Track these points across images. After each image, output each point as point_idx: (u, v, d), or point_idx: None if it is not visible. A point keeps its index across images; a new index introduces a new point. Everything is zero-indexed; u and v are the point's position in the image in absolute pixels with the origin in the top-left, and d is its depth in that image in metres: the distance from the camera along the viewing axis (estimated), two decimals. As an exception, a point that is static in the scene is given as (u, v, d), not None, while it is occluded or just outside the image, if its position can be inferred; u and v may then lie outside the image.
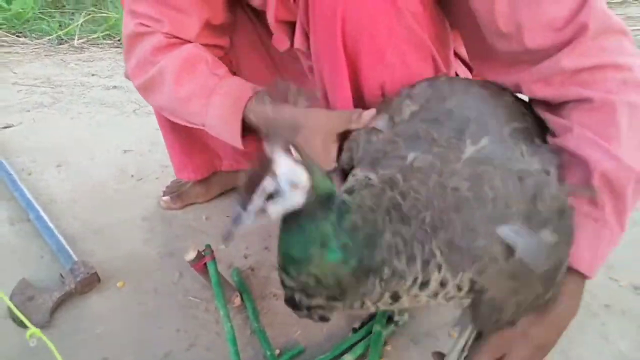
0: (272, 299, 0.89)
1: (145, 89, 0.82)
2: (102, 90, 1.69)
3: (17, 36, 2.18)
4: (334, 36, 0.65)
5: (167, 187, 1.13)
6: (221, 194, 1.13)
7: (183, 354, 0.79)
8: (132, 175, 1.21)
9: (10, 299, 0.88)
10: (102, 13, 2.27)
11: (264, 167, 0.45)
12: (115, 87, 1.72)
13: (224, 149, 1.04)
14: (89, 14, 2.28)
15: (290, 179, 0.45)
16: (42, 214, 1.04)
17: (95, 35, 2.18)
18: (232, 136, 0.75)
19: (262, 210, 0.46)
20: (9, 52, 2.02)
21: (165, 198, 1.10)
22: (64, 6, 2.35)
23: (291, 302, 0.54)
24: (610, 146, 0.56)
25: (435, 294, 0.52)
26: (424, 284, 0.51)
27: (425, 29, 0.67)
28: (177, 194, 1.10)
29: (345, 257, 0.49)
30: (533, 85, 0.62)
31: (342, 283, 0.50)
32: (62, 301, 0.88)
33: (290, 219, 0.49)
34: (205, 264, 0.86)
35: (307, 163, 0.46)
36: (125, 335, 0.82)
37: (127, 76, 0.86)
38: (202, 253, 0.87)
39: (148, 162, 1.25)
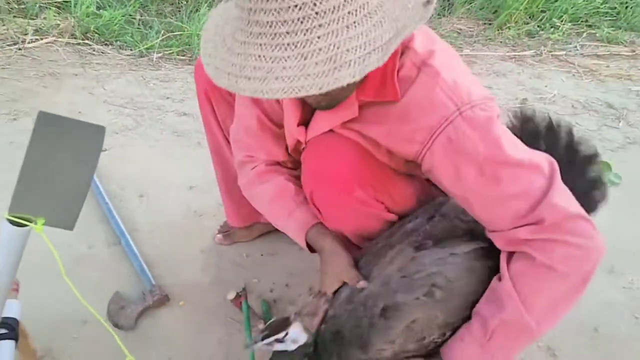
0: (286, 329, 1.31)
1: (250, 198, 1.22)
2: (175, 117, 2.12)
3: (105, 44, 2.64)
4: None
5: (221, 226, 1.56)
6: (260, 236, 1.55)
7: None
8: (195, 211, 1.64)
9: (108, 306, 1.34)
10: (177, 31, 2.69)
11: (284, 325, 0.91)
12: (185, 114, 2.15)
13: None
14: (168, 30, 2.71)
15: (294, 338, 0.92)
16: (130, 240, 1.49)
17: (170, 51, 2.61)
18: (301, 243, 1.14)
19: (270, 345, 0.89)
20: (99, 64, 2.48)
21: (218, 236, 1.53)
22: (147, 22, 2.77)
23: None
24: (523, 307, 0.88)
25: None
26: None
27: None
28: (227, 234, 1.53)
29: None
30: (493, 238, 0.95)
31: None
32: (143, 312, 1.33)
33: (280, 354, 0.96)
34: (240, 301, 1.29)
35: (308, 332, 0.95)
36: (183, 341, 1.27)
37: (240, 186, 1.24)
38: (239, 294, 1.30)
39: (208, 200, 1.68)
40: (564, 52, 3.06)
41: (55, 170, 0.77)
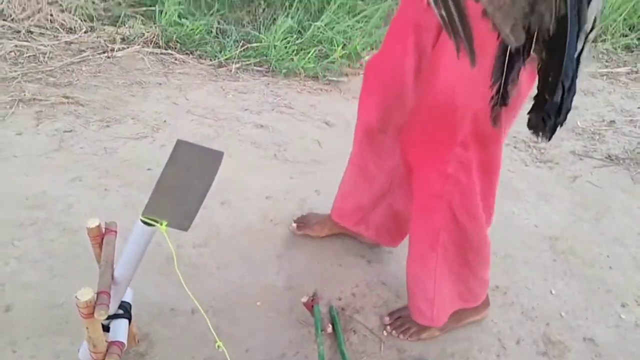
0: (351, 333, 1.63)
1: None
2: (252, 128, 2.51)
3: (186, 54, 3.09)
4: None
5: (298, 218, 1.95)
6: (329, 236, 1.91)
7: (291, 357, 1.57)
8: (271, 220, 2.00)
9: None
10: (255, 41, 3.09)
11: None
12: (262, 125, 2.53)
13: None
14: (246, 39, 3.12)
15: None
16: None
17: (248, 62, 3.02)
18: None
19: None
20: (181, 73, 2.91)
21: (293, 225, 1.94)
22: (225, 31, 3.20)
23: None
24: None
25: None
26: None
27: None
28: (302, 225, 1.92)
29: None
30: None
31: None
32: (224, 309, 1.70)
33: None
34: (312, 305, 1.63)
35: None
36: (258, 338, 1.62)
37: None
38: (311, 298, 1.64)
39: (282, 210, 2.04)
40: (664, 70, 3.22)
41: (181, 184, 1.14)
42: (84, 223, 1.30)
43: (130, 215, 1.89)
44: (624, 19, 3.43)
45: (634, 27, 3.49)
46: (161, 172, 1.14)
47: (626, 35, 3.44)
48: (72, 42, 2.98)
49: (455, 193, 1.39)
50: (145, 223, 1.19)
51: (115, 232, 1.33)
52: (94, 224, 1.29)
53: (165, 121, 2.50)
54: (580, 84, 3.03)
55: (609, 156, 2.46)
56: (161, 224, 1.19)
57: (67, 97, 2.54)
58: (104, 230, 1.33)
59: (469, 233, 1.45)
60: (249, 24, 3.33)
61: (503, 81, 1.04)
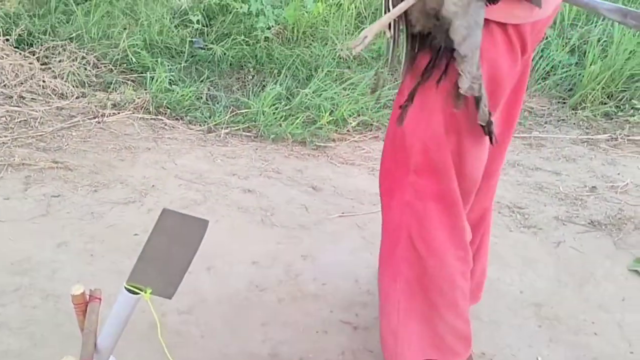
0: None
1: None
2: (239, 193, 2.54)
3: (176, 119, 3.15)
4: None
5: None
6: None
7: None
8: (257, 286, 2.01)
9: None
10: (244, 107, 3.17)
11: None
12: (249, 190, 2.56)
13: None
14: (235, 105, 3.20)
15: None
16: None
17: (237, 127, 3.08)
18: None
19: None
20: (170, 138, 2.96)
21: None
22: (215, 97, 3.28)
23: None
24: None
25: None
26: None
27: None
28: None
29: None
30: None
31: None
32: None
33: None
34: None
35: None
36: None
37: None
38: (296, 365, 1.63)
39: (268, 276, 2.05)
40: (642, 137, 3.32)
41: (166, 252, 1.16)
42: (69, 289, 1.30)
43: (115, 281, 1.89)
44: (602, 88, 3.55)
45: (612, 95, 3.60)
46: (146, 240, 1.16)
47: (605, 103, 3.55)
48: (63, 108, 3.04)
49: (413, 223, 1.41)
50: (129, 291, 1.20)
51: (100, 299, 1.33)
52: (78, 291, 1.30)
53: (153, 186, 2.53)
54: (562, 150, 3.11)
55: (592, 222, 2.50)
56: (145, 292, 1.20)
57: (56, 162, 2.57)
58: (88, 297, 1.33)
59: (429, 268, 1.44)
60: (238, 90, 3.41)
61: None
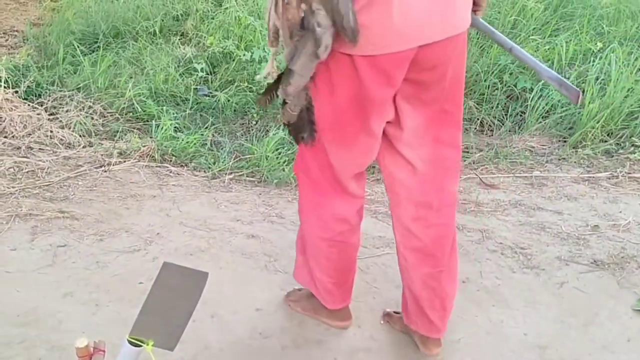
0: None
1: None
2: (243, 239, 2.57)
3: (181, 166, 3.21)
4: None
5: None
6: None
7: None
8: (260, 333, 2.02)
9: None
10: (247, 153, 3.22)
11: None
12: (253, 236, 2.59)
13: None
14: (239, 151, 3.26)
15: None
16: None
17: (240, 173, 3.13)
18: None
19: None
20: (175, 185, 3.01)
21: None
22: (219, 143, 3.35)
23: None
24: None
25: None
26: None
27: None
28: None
29: None
30: None
31: None
32: None
33: None
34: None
35: None
36: None
37: None
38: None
39: (272, 322, 2.06)
40: (643, 174, 3.34)
41: (167, 305, 1.19)
42: (73, 340, 1.33)
43: (120, 331, 1.90)
44: (602, 126, 3.60)
45: (612, 133, 3.64)
46: (148, 293, 1.19)
47: (605, 141, 3.59)
48: (70, 157, 3.11)
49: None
50: (131, 343, 1.23)
51: (104, 351, 1.36)
52: (82, 344, 1.32)
53: (158, 233, 2.57)
54: (564, 189, 3.13)
55: (595, 261, 2.51)
56: (147, 344, 1.23)
57: (62, 212, 2.62)
58: (92, 349, 1.35)
59: (302, 227, 1.94)
60: (242, 135, 3.48)
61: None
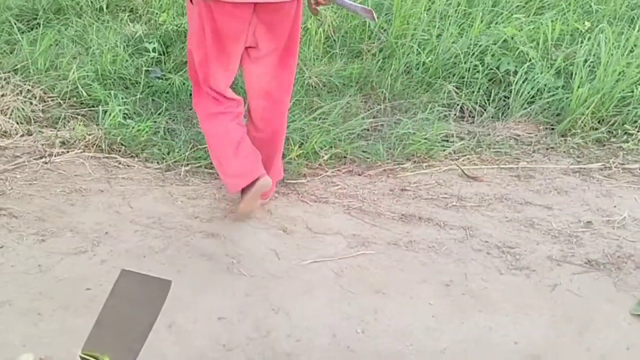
0: None
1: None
2: (203, 238, 2.54)
3: (131, 157, 3.15)
4: None
5: None
6: None
7: None
8: (224, 345, 2.00)
9: None
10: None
11: None
12: (213, 235, 2.56)
13: None
14: (196, 139, 3.21)
15: None
16: (159, 374, 1.85)
17: (198, 164, 3.09)
18: None
19: None
20: (125, 178, 2.96)
21: None
22: (174, 130, 3.30)
23: None
24: None
25: None
26: None
27: None
28: None
29: None
30: None
31: None
32: None
33: None
34: None
35: None
36: None
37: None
38: None
39: (236, 333, 2.04)
40: (638, 166, 3.39)
41: (125, 316, 1.16)
42: (15, 356, 1.28)
43: (67, 343, 1.87)
44: (592, 112, 3.64)
45: (603, 120, 3.69)
46: (103, 304, 1.15)
47: (596, 129, 3.63)
48: (6, 147, 3.03)
49: None
50: (84, 359, 1.19)
51: (50, 369, 1.32)
52: (26, 362, 1.28)
53: (106, 233, 2.52)
54: (553, 182, 3.17)
55: (589, 261, 2.55)
56: (102, 361, 1.19)
57: (-2, 209, 2.55)
58: (36, 367, 1.31)
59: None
60: (198, 123, 3.42)
61: None
